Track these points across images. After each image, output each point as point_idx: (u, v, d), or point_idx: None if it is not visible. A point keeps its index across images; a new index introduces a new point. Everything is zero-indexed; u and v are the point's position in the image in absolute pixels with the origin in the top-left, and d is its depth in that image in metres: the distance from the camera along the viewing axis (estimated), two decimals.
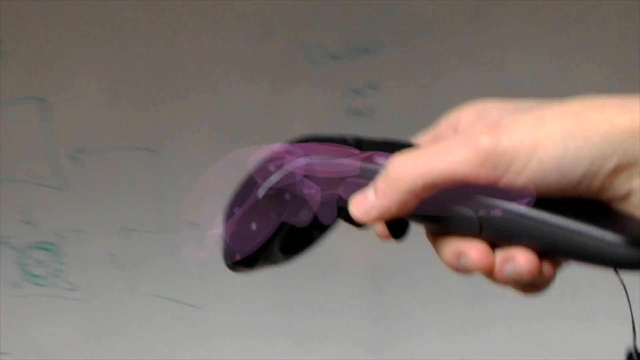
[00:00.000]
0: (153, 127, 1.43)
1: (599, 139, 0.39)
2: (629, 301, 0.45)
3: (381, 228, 0.48)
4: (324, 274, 1.52)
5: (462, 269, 0.43)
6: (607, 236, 0.38)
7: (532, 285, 0.44)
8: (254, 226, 0.48)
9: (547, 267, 0.42)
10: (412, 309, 1.51)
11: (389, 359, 1.55)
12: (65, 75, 1.42)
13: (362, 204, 0.44)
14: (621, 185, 0.39)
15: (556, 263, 0.42)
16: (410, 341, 1.53)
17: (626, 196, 0.40)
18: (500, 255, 0.42)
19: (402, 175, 0.42)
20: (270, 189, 0.47)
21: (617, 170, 0.39)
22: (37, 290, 1.55)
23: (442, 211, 0.43)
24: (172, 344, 1.59)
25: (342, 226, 0.49)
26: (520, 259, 0.41)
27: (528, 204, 0.41)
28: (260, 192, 0.47)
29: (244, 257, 0.48)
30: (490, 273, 0.42)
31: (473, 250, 0.42)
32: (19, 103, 1.43)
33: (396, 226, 0.47)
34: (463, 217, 0.42)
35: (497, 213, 0.41)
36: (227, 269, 0.50)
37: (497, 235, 0.42)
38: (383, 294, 1.52)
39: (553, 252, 0.41)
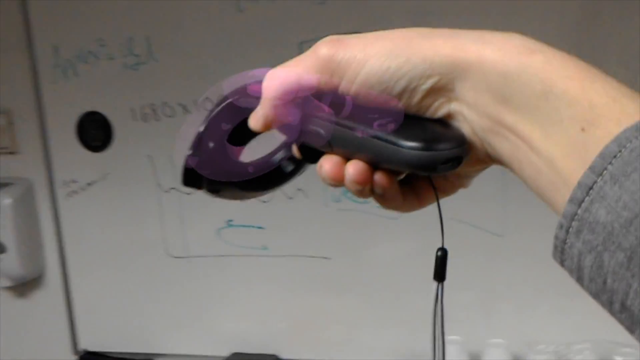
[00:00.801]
0: None
1: (419, 60, 0.44)
2: (438, 204, 0.50)
3: (297, 152, 0.53)
4: None
5: (324, 180, 0.48)
6: (400, 141, 0.43)
7: (385, 198, 0.49)
8: (210, 143, 0.53)
9: (379, 177, 0.47)
10: None
11: None
12: None
13: (254, 114, 0.50)
14: (440, 105, 0.45)
15: (391, 175, 0.48)
16: None
17: (450, 116, 0.45)
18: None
19: (269, 85, 0.48)
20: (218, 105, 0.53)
21: (434, 91, 0.44)
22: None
23: (308, 126, 0.48)
24: None
25: None
26: (349, 169, 0.47)
27: (351, 116, 0.46)
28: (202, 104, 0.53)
29: (198, 167, 0.53)
30: (340, 183, 0.48)
31: (327, 162, 0.48)
32: None
33: (307, 150, 0.52)
34: (318, 134, 0.48)
35: (329, 126, 0.47)
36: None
37: (341, 149, 0.47)
38: None
39: (370, 160, 0.46)
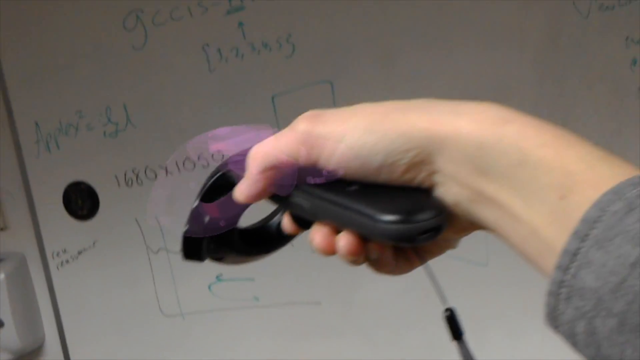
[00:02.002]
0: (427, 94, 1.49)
1: (396, 135, 0.45)
2: (427, 269, 0.51)
3: (288, 222, 0.54)
4: None
5: (317, 251, 0.49)
6: (378, 215, 0.44)
7: (379, 264, 0.50)
8: (206, 217, 0.55)
9: (373, 248, 0.48)
10: None
11: None
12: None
13: (238, 187, 0.52)
14: (423, 179, 0.46)
15: (382, 246, 0.48)
16: None
17: (434, 186, 0.46)
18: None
19: (253, 159, 0.50)
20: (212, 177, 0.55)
21: (414, 165, 0.45)
22: None
23: (292, 199, 0.50)
24: None
25: None
26: (341, 241, 0.48)
27: (331, 188, 0.47)
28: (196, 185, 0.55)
29: (192, 235, 0.55)
30: (332, 254, 0.49)
31: (317, 235, 0.49)
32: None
33: (299, 219, 0.53)
34: (302, 206, 0.50)
35: (310, 198, 0.48)
36: None
37: (327, 221, 0.49)
38: None
39: (354, 231, 0.47)
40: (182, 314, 1.80)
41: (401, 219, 0.44)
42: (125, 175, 1.76)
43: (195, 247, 0.57)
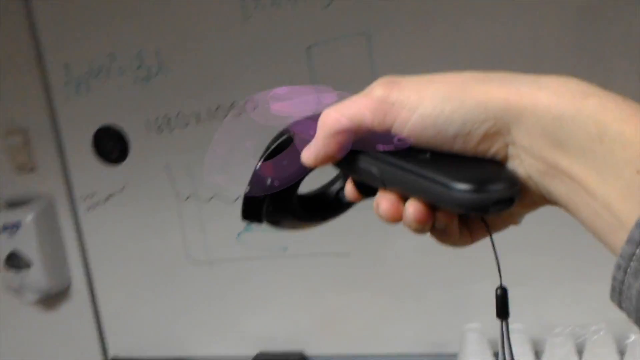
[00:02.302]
0: (465, 56, 1.48)
1: (473, 105, 0.44)
2: (492, 243, 0.50)
3: (350, 188, 0.54)
4: None
5: (382, 218, 0.49)
6: (452, 183, 0.44)
7: (444, 234, 0.51)
8: (268, 180, 0.55)
9: (441, 217, 0.48)
10: None
11: None
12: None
13: (306, 150, 0.51)
14: (498, 149, 0.45)
15: (450, 215, 0.48)
16: None
17: (507, 159, 0.46)
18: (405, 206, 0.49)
19: (324, 123, 0.49)
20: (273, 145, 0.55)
21: (489, 135, 0.45)
22: None
23: (360, 165, 0.50)
24: None
25: None
26: (409, 208, 0.47)
27: (403, 155, 0.47)
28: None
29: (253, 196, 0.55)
30: (398, 221, 0.49)
31: (384, 201, 0.49)
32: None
33: (362, 186, 0.53)
34: (371, 173, 0.49)
35: (381, 165, 0.48)
36: None
37: (396, 188, 0.49)
38: None
39: (424, 199, 0.47)
40: (210, 261, 1.82)
41: (475, 188, 0.44)
42: (156, 121, 1.75)
43: (255, 208, 0.56)
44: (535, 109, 0.43)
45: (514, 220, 0.52)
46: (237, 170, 0.59)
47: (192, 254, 1.82)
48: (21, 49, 1.84)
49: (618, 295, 0.40)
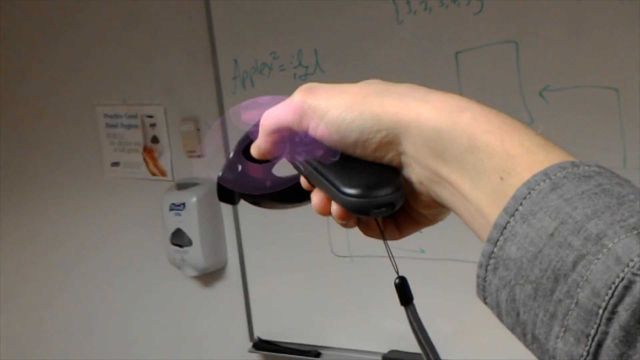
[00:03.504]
0: (616, 66, 1.51)
1: (370, 116, 0.49)
2: (385, 242, 0.55)
3: (302, 179, 0.58)
4: None
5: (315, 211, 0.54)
6: (341, 187, 0.50)
7: (368, 229, 0.55)
8: (239, 166, 0.61)
9: (339, 213, 0.52)
10: None
11: None
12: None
13: (253, 145, 0.57)
14: (393, 157, 0.50)
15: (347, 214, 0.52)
16: None
17: (402, 166, 0.50)
18: None
19: (261, 123, 0.55)
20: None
21: (384, 144, 0.50)
22: None
23: (295, 162, 0.55)
24: None
25: None
26: (332, 205, 0.52)
27: (321, 157, 0.53)
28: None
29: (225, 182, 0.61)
30: (327, 215, 0.54)
31: (315, 196, 0.54)
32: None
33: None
34: (301, 170, 0.55)
35: (303, 163, 0.54)
36: None
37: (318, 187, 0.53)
38: None
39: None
40: (352, 256, 1.87)
41: (359, 193, 0.49)
42: None
43: (228, 192, 0.61)
44: (419, 122, 0.48)
45: (437, 218, 0.56)
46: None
47: (335, 248, 1.89)
48: (198, 44, 2.00)
49: (482, 291, 0.44)
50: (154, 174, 2.18)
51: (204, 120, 2.05)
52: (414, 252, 1.79)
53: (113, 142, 2.25)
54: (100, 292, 2.40)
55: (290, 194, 0.60)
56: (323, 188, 0.52)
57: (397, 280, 0.56)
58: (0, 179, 2.52)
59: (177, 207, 2.03)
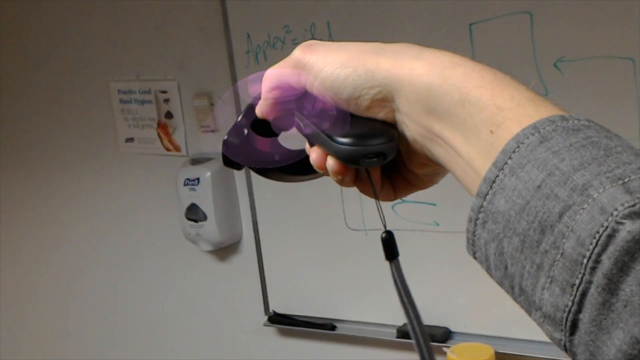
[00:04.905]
0: (631, 36, 1.49)
1: (364, 72, 0.49)
2: (376, 196, 0.54)
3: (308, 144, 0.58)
4: None
5: (314, 167, 0.54)
6: (334, 137, 0.50)
7: (365, 189, 0.55)
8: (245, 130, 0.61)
9: (334, 166, 0.52)
10: None
11: None
12: None
13: (258, 106, 0.57)
14: (386, 114, 0.50)
15: (343, 166, 0.52)
16: None
17: (397, 123, 0.50)
18: None
19: (264, 81, 0.56)
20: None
21: (378, 101, 0.50)
22: None
23: (296, 121, 0.56)
24: None
25: None
26: (329, 160, 0.52)
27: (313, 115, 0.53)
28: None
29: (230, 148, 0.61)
30: (324, 171, 0.54)
31: (313, 152, 0.54)
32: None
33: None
34: (301, 129, 0.55)
35: (299, 125, 0.55)
36: None
37: (314, 142, 0.54)
38: None
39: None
40: (366, 229, 1.88)
41: (351, 141, 0.50)
42: None
43: (231, 156, 0.61)
44: (411, 78, 0.48)
45: (432, 180, 0.56)
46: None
47: (349, 222, 1.89)
48: (211, 19, 2.00)
49: (472, 246, 0.44)
50: (168, 150, 2.19)
51: (218, 95, 2.05)
52: (428, 224, 1.79)
53: (127, 118, 2.25)
54: (117, 268, 2.42)
55: (297, 167, 0.60)
56: (319, 141, 0.53)
57: (383, 235, 0.56)
58: (16, 158, 2.54)
59: (192, 182, 2.04)
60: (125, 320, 2.47)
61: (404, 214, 1.79)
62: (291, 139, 0.60)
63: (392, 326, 1.87)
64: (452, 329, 1.83)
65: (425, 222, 1.79)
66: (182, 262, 2.26)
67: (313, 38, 1.81)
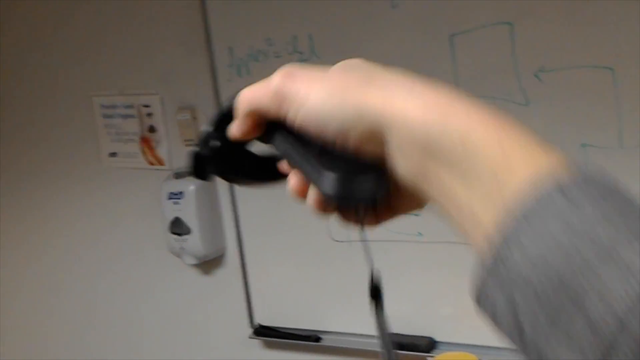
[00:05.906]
0: (611, 45, 1.51)
1: (351, 107, 0.47)
2: (363, 233, 0.53)
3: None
4: None
5: (290, 193, 0.53)
6: (322, 175, 0.48)
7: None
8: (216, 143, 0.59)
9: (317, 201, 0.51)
10: None
11: None
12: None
13: (232, 126, 0.55)
14: (376, 149, 0.47)
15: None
16: None
17: (386, 160, 0.48)
18: None
19: (239, 102, 0.53)
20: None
21: (367, 137, 0.47)
22: None
23: (274, 143, 0.54)
24: None
25: None
26: (310, 191, 0.51)
27: (301, 142, 0.51)
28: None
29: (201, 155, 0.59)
30: (303, 200, 0.52)
31: (293, 179, 0.52)
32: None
33: None
34: (279, 152, 0.53)
35: (278, 148, 0.53)
36: None
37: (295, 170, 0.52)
38: None
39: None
40: (350, 241, 1.88)
41: (340, 181, 0.48)
42: None
43: (201, 167, 0.60)
44: (406, 120, 0.45)
45: (415, 208, 0.54)
46: None
47: (333, 233, 1.90)
48: (193, 33, 2.00)
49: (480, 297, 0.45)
50: (151, 164, 2.19)
51: (201, 109, 2.05)
52: (411, 235, 1.80)
53: (110, 133, 2.25)
54: (100, 282, 2.41)
55: (266, 174, 0.60)
56: (304, 173, 0.51)
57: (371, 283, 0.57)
58: None
59: (176, 196, 2.04)
60: (108, 335, 2.45)
61: (387, 224, 1.80)
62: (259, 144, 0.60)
63: (377, 337, 1.87)
64: (437, 338, 1.83)
65: (408, 232, 1.80)
66: (166, 275, 2.26)
67: (295, 51, 1.82)
